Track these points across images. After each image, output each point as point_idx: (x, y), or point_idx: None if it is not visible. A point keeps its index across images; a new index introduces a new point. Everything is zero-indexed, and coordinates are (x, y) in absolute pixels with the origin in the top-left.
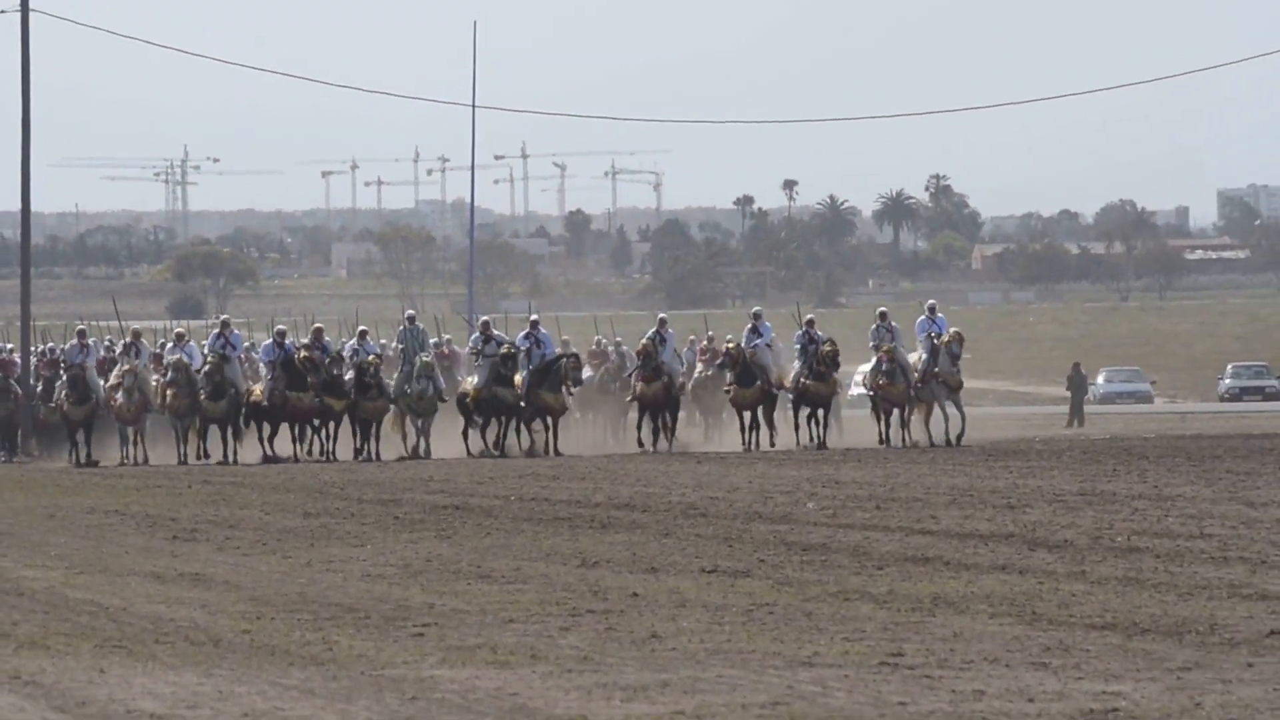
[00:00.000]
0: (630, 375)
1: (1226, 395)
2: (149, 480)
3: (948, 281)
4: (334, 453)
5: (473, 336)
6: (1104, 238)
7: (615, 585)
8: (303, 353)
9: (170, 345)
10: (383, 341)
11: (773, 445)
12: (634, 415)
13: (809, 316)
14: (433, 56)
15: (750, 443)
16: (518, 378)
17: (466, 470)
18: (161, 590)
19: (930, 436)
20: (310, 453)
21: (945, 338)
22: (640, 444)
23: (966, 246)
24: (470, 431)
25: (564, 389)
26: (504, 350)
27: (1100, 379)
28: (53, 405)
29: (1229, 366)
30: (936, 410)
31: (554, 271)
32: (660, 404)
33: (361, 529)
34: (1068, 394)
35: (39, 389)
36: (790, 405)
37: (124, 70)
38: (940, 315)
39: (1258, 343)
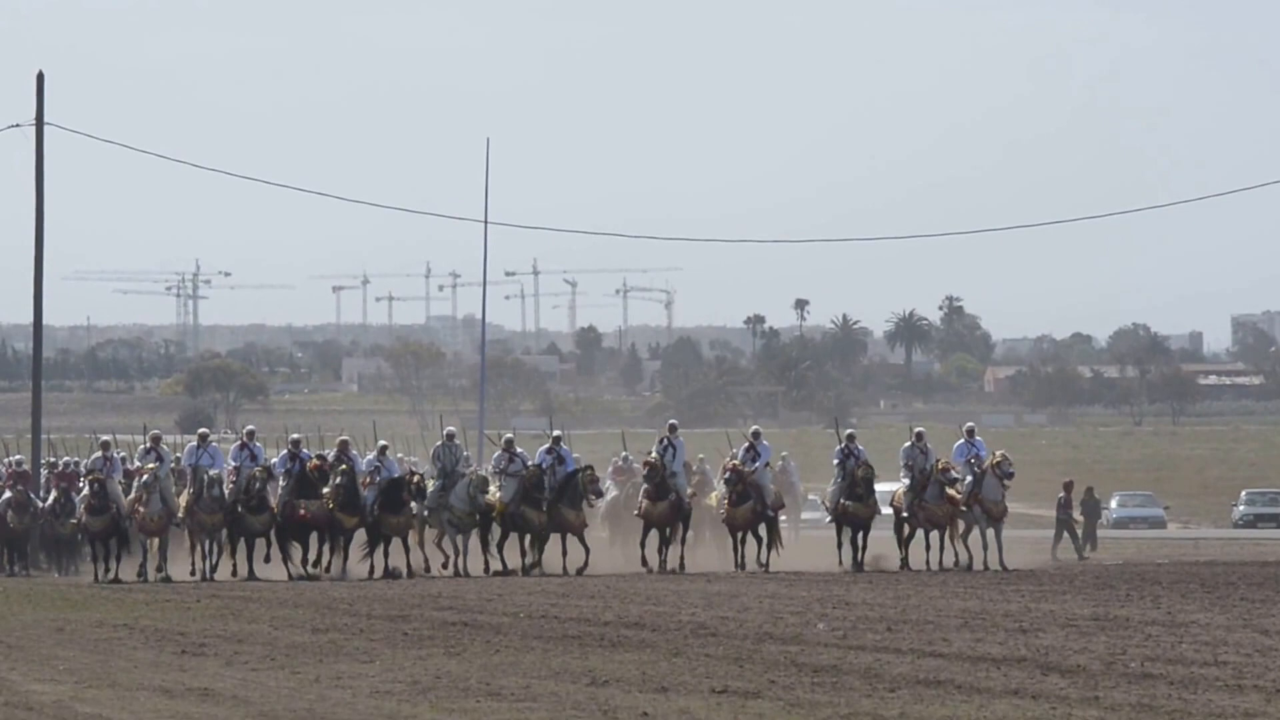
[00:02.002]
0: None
1: (1240, 521)
2: (157, 594)
3: (961, 403)
4: (345, 569)
5: (495, 455)
6: (1117, 361)
7: (625, 704)
8: (314, 462)
9: (192, 446)
10: (399, 456)
11: (762, 564)
12: (638, 534)
13: (849, 431)
14: (446, 172)
15: (740, 561)
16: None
17: (475, 587)
18: (170, 705)
19: (970, 555)
20: (314, 565)
21: (994, 459)
22: (645, 563)
23: (979, 368)
24: (492, 548)
25: (585, 503)
26: (528, 474)
27: (1113, 503)
28: (73, 520)
29: (1243, 493)
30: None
31: (565, 388)
32: (668, 521)
33: (370, 645)
34: (1080, 518)
35: (51, 501)
36: (833, 524)
37: (137, 183)
38: (979, 439)
39: (1271, 469)
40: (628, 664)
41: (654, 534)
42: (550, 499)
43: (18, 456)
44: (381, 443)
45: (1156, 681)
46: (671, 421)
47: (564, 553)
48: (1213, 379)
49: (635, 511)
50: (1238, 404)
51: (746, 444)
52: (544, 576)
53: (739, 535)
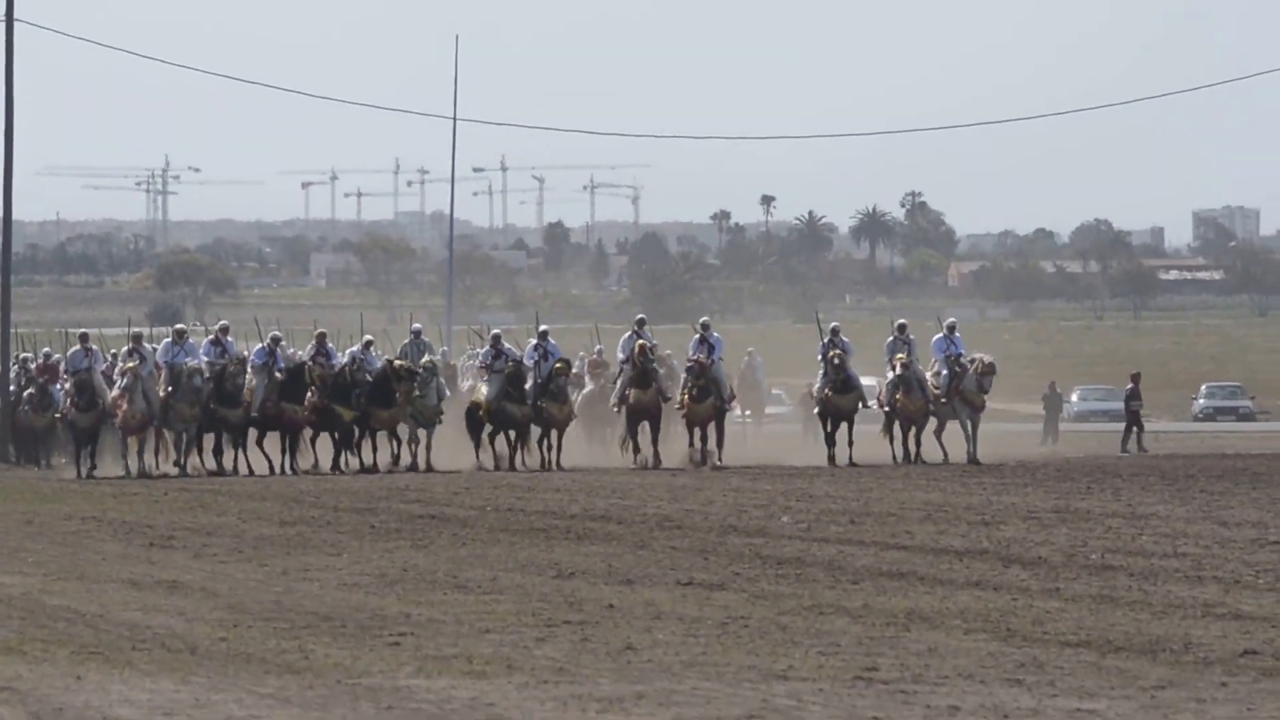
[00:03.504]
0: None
1: (1200, 415)
2: (125, 487)
3: (924, 298)
4: (343, 462)
5: (483, 350)
6: (1079, 256)
7: (591, 597)
8: (310, 364)
9: (168, 343)
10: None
11: (720, 462)
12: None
13: (834, 325)
14: (414, 69)
15: (702, 458)
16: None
17: (442, 480)
18: (138, 597)
19: (945, 451)
20: (294, 466)
21: (982, 366)
22: (637, 450)
23: (943, 263)
24: (483, 443)
25: (568, 397)
26: (509, 369)
27: (1075, 397)
28: (57, 414)
29: (1203, 387)
30: (950, 426)
31: (532, 284)
32: (654, 412)
33: (338, 538)
34: (1043, 412)
35: (27, 394)
36: (819, 420)
37: (107, 80)
38: (958, 335)
39: (1231, 363)
40: (593, 556)
41: (645, 424)
42: (536, 394)
43: (46, 349)
44: (367, 337)
45: (1117, 573)
46: (640, 316)
47: (549, 448)
48: (1174, 274)
49: (613, 404)
50: (1198, 299)
51: (697, 336)
52: (530, 473)
53: (698, 431)
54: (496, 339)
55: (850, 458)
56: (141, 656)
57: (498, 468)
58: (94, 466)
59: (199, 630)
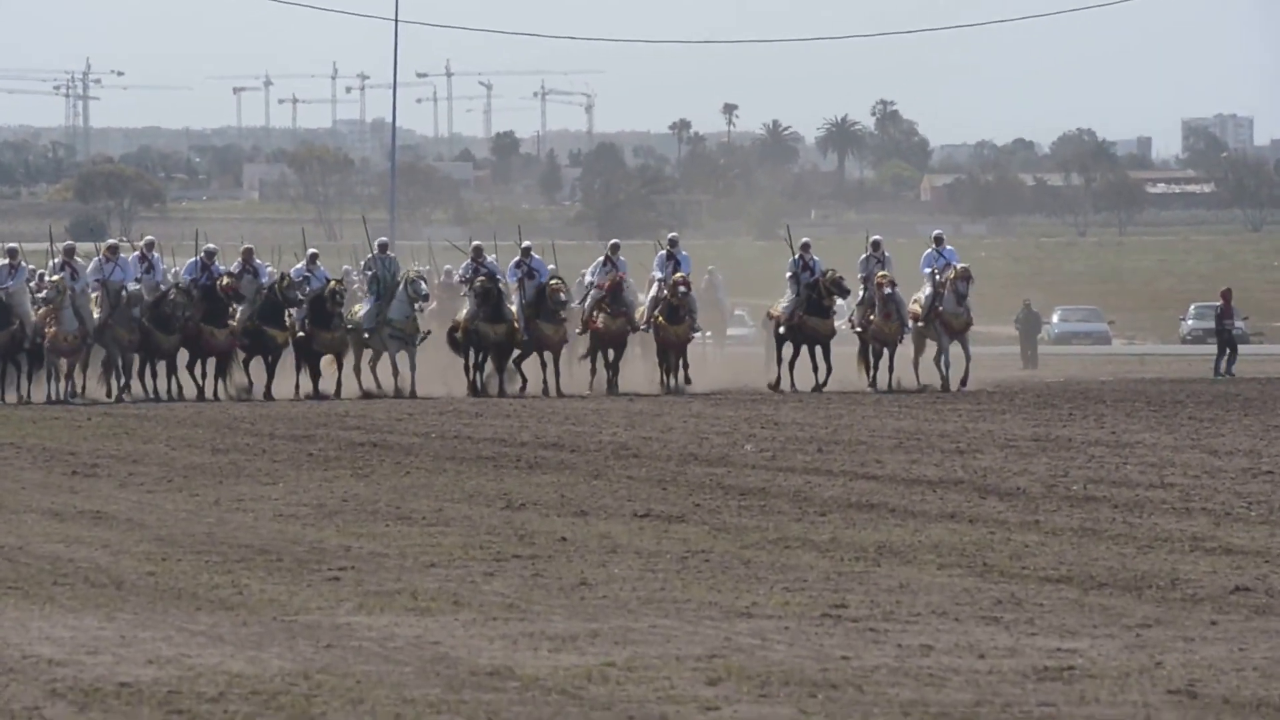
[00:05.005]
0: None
1: (1189, 337)
2: (45, 412)
3: (895, 213)
4: (270, 391)
5: (464, 264)
6: (1061, 169)
7: (542, 529)
8: (225, 280)
9: (100, 260)
10: (346, 267)
11: (689, 384)
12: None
13: (804, 240)
14: None
15: (674, 383)
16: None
17: (384, 406)
18: (60, 529)
19: (918, 378)
20: (227, 387)
21: (952, 273)
22: (609, 382)
23: (915, 176)
24: (468, 365)
25: (562, 317)
26: (478, 284)
27: (1055, 318)
28: None
29: (1192, 307)
30: (928, 351)
31: (479, 197)
32: (621, 341)
33: (273, 466)
34: (1016, 333)
35: None
36: (775, 341)
37: None
38: (949, 247)
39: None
40: (545, 486)
41: (602, 351)
42: (528, 315)
43: None
44: (311, 250)
45: (1100, 504)
46: (614, 241)
47: (551, 372)
48: (1161, 187)
49: (578, 330)
50: (1188, 213)
51: (664, 252)
52: (517, 398)
53: (674, 356)
54: (479, 251)
55: (825, 382)
56: (64, 591)
57: (474, 393)
58: (15, 392)
59: (125, 564)
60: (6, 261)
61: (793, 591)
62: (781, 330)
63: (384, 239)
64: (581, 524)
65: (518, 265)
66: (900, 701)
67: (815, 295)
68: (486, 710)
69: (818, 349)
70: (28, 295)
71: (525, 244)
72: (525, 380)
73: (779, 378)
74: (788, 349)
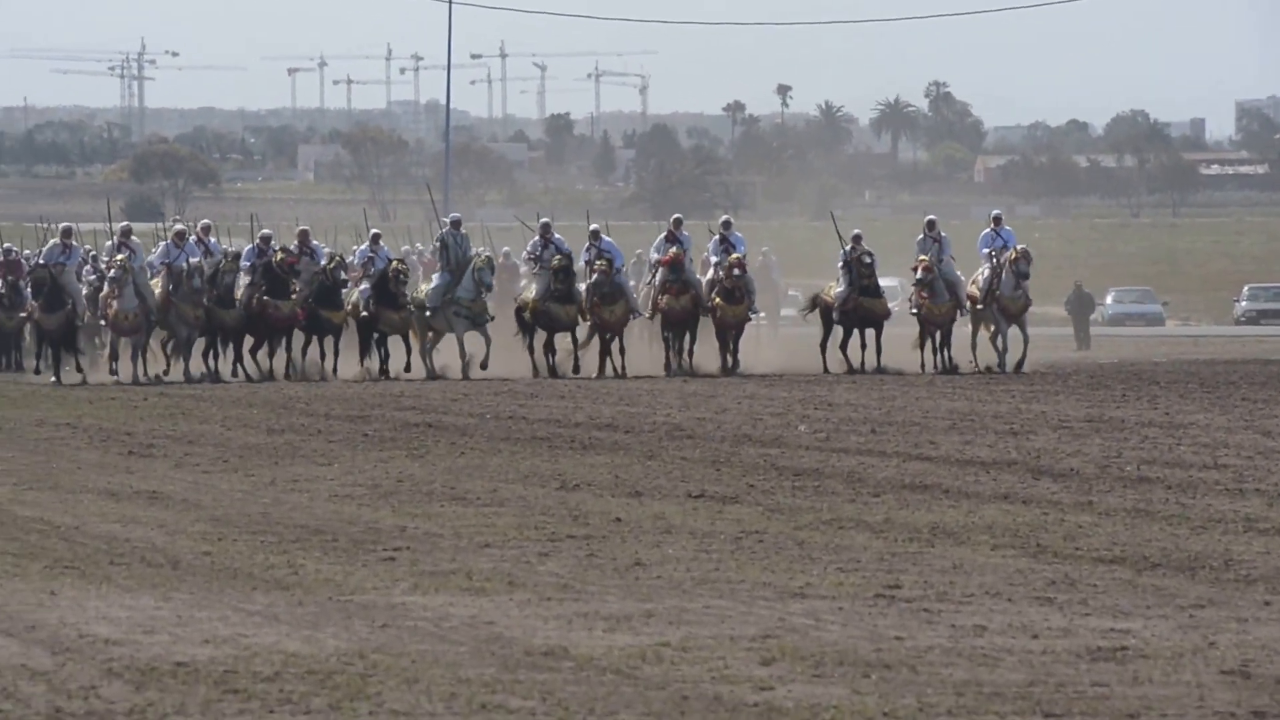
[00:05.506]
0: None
1: (1243, 318)
2: (102, 392)
3: (949, 194)
4: (336, 370)
5: (531, 241)
6: (1114, 150)
7: (597, 509)
8: (279, 255)
9: (168, 245)
10: (405, 248)
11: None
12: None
13: (855, 232)
14: None
15: (732, 364)
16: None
17: (439, 387)
18: (116, 509)
19: (976, 360)
20: (289, 369)
21: (1012, 254)
22: (668, 366)
23: (969, 158)
24: (535, 345)
25: (620, 297)
26: (555, 263)
27: (1109, 299)
28: (22, 313)
29: (1246, 288)
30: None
31: (533, 178)
32: (688, 320)
33: (329, 447)
34: (1068, 316)
35: None
36: (824, 324)
37: None
38: (1007, 228)
39: (1276, 263)
40: (599, 467)
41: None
42: (609, 295)
43: (7, 245)
44: (374, 230)
45: (1153, 485)
46: (676, 216)
47: (618, 351)
48: (1215, 168)
49: (648, 313)
50: (1241, 195)
51: (718, 236)
52: (582, 380)
53: (731, 335)
54: (546, 228)
55: (879, 364)
56: (120, 571)
57: (537, 375)
58: (57, 373)
59: (181, 544)
60: (59, 241)
61: (846, 572)
62: (835, 315)
63: (457, 215)
64: (636, 504)
65: (588, 249)
66: (954, 681)
67: (863, 279)
68: (541, 690)
69: (869, 331)
70: (74, 276)
71: (594, 227)
72: (578, 361)
73: (825, 363)
74: (837, 334)
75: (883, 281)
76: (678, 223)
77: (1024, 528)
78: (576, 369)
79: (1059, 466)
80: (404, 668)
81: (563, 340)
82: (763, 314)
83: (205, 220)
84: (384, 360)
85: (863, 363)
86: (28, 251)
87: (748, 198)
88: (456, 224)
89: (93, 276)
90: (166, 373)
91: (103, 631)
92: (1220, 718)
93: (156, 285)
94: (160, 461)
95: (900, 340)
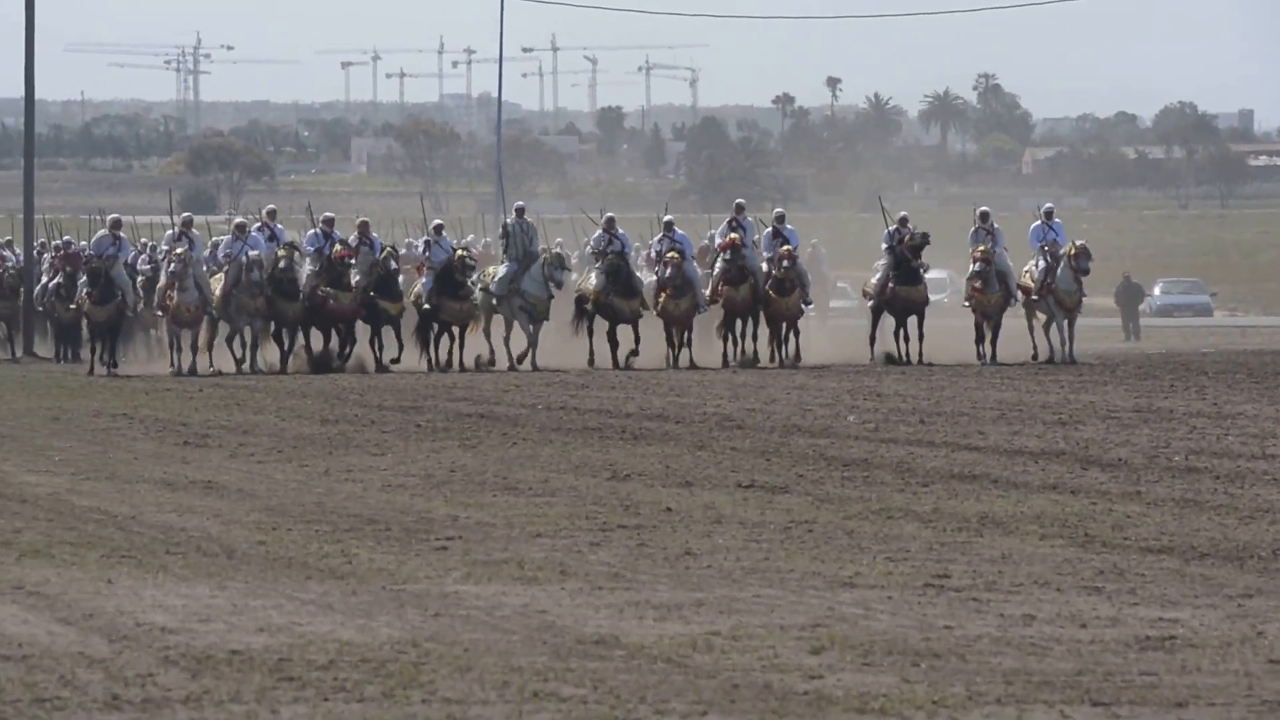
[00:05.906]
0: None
1: None
2: (158, 383)
3: (997, 186)
4: (397, 359)
5: (595, 234)
6: (1163, 141)
7: (648, 499)
8: (338, 248)
9: (229, 239)
10: (470, 236)
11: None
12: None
13: (902, 214)
14: None
15: (785, 356)
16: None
17: (491, 378)
18: (172, 498)
19: (1036, 348)
20: (345, 358)
21: (1071, 249)
22: (725, 358)
23: (1017, 149)
24: (594, 338)
25: (687, 290)
26: (609, 261)
27: (1157, 290)
28: (73, 305)
29: None
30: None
31: (584, 171)
32: (748, 309)
33: (382, 437)
34: (1116, 308)
35: (54, 284)
36: (871, 315)
37: None
38: (1058, 221)
39: None
40: (650, 457)
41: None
42: (680, 288)
43: (66, 237)
44: (436, 221)
45: (1201, 475)
46: (739, 201)
47: (686, 344)
48: (1263, 159)
49: (706, 301)
50: None
51: (770, 229)
52: (633, 371)
53: (782, 327)
54: (610, 222)
55: (920, 354)
56: (176, 560)
57: (593, 362)
58: (114, 364)
59: (236, 533)
60: (107, 232)
61: (895, 562)
62: (873, 304)
63: (521, 203)
64: (686, 494)
65: (660, 241)
66: (1003, 671)
67: (904, 262)
68: (592, 678)
69: (911, 319)
70: (123, 268)
71: (667, 219)
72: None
73: (872, 355)
74: (885, 323)
75: (932, 274)
76: (739, 208)
77: (1072, 518)
78: (634, 355)
79: (1107, 457)
80: (456, 656)
81: (624, 333)
82: (812, 305)
83: (270, 205)
84: (452, 346)
85: (905, 353)
86: (83, 243)
87: (797, 190)
88: (520, 212)
89: (147, 267)
90: (239, 369)
91: (159, 620)
92: (1269, 706)
93: (216, 282)
94: (215, 452)
95: (951, 333)
